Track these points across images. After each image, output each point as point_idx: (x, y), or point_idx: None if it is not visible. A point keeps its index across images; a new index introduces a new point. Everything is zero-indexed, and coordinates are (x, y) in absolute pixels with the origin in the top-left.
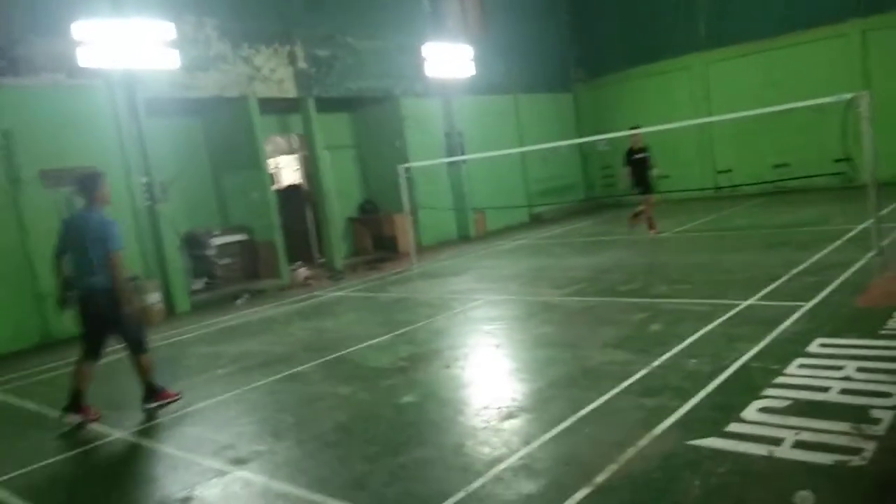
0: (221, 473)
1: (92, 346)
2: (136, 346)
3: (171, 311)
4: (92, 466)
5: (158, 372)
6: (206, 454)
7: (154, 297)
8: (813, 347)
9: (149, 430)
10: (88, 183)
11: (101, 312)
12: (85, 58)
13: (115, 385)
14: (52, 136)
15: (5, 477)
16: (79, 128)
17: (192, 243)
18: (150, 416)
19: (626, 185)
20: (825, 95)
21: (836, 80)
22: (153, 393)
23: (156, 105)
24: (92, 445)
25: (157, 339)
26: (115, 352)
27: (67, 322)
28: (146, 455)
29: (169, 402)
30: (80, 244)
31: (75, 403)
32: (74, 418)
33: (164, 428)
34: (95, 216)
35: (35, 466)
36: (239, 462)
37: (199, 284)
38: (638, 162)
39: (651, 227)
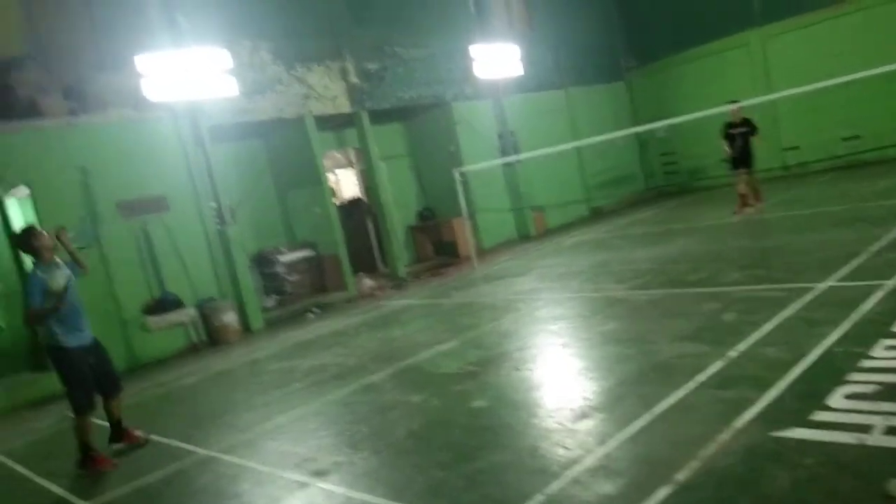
0: (304, 486)
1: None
2: (71, 406)
3: (246, 328)
4: (180, 484)
5: (243, 388)
6: (288, 467)
7: (230, 317)
8: None
9: (233, 446)
10: (21, 242)
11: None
12: (149, 91)
13: (196, 404)
14: (124, 168)
15: (99, 499)
16: (148, 159)
17: (262, 262)
18: (235, 432)
19: (727, 157)
20: (892, 62)
21: None
22: (86, 459)
23: (219, 131)
24: (179, 463)
25: (235, 358)
26: (189, 374)
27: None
28: (231, 471)
29: (100, 470)
30: None
31: (115, 433)
32: (119, 445)
33: (248, 444)
34: (29, 274)
35: (126, 487)
36: (320, 474)
37: (270, 302)
38: (736, 137)
39: (743, 204)
